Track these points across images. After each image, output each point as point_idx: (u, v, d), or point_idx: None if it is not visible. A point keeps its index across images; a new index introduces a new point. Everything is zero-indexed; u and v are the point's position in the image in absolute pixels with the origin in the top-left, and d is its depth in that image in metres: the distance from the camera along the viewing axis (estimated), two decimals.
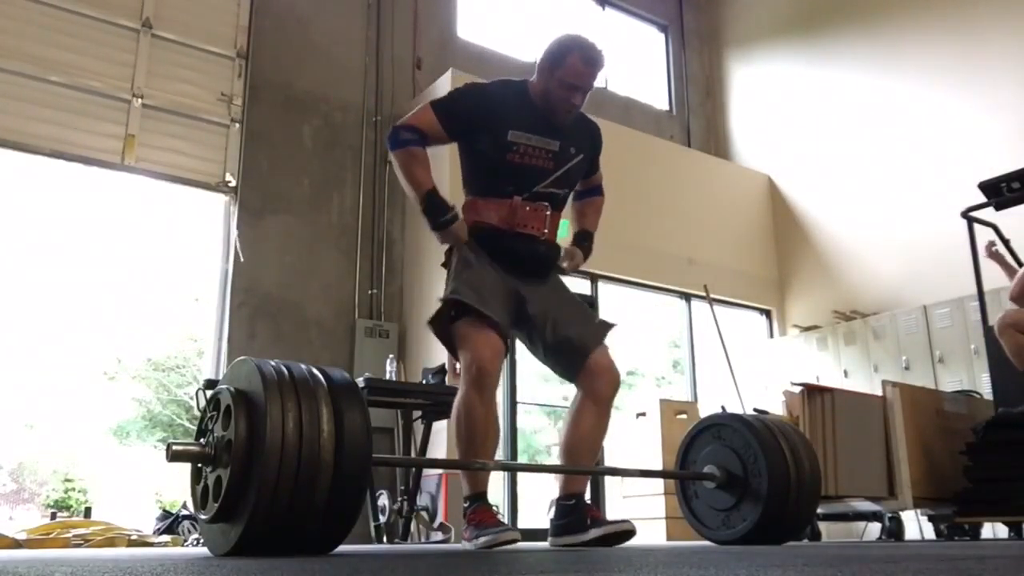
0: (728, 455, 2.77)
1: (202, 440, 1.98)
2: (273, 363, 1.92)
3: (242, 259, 5.82)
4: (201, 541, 4.62)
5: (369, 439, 1.90)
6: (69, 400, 11.99)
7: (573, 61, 2.53)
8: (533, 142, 2.55)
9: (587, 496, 2.72)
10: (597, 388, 2.57)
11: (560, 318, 2.60)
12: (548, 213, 2.60)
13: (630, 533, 2.48)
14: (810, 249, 7.98)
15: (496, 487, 5.92)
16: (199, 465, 1.98)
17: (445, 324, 2.51)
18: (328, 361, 3.98)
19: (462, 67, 6.81)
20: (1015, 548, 2.39)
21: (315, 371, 1.95)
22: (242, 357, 2.00)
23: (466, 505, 2.49)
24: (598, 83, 2.84)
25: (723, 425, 2.85)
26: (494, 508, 2.51)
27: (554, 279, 2.72)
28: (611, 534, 2.45)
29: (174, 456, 1.91)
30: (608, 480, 6.17)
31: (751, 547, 2.54)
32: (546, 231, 2.60)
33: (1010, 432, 3.93)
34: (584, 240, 2.84)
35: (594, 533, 2.45)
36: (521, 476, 6.13)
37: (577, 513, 2.53)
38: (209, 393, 2.03)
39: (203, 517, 1.92)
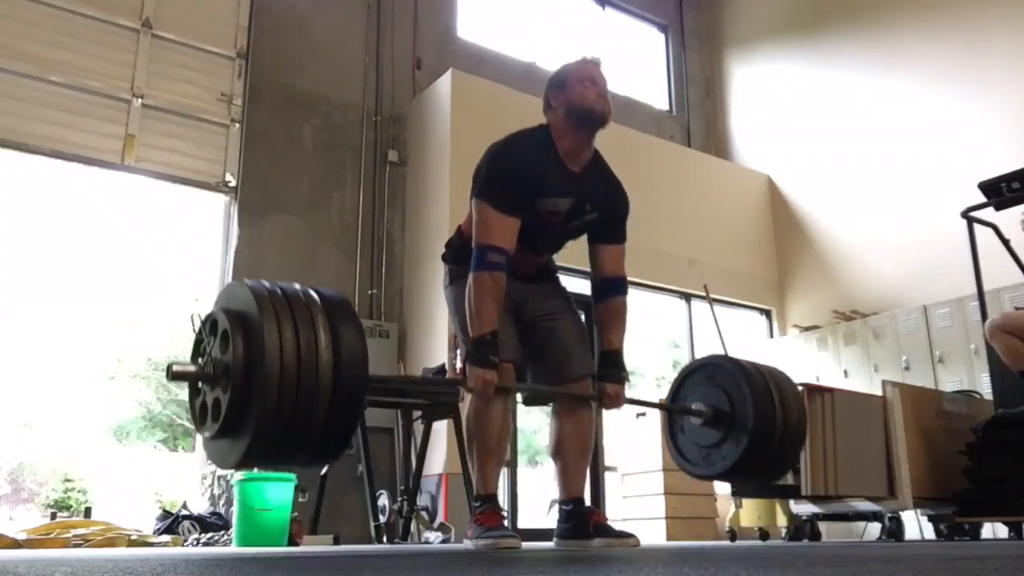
0: (718, 395, 2.74)
1: (200, 360, 1.98)
2: (267, 283, 1.92)
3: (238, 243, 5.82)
4: (201, 541, 4.62)
5: (365, 357, 1.91)
6: (69, 400, 11.98)
7: (572, 67, 2.56)
8: (559, 207, 2.49)
9: (587, 498, 2.73)
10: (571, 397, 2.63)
11: (557, 324, 2.65)
12: (543, 258, 2.73)
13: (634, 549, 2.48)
14: (810, 249, 7.98)
15: None
16: (198, 384, 2.00)
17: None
18: None
19: (462, 67, 6.81)
20: (1015, 548, 2.39)
21: (309, 291, 1.96)
22: (233, 281, 2.01)
23: (476, 504, 2.52)
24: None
25: (717, 365, 2.83)
26: (502, 513, 2.53)
27: (554, 282, 2.78)
28: (614, 548, 2.45)
29: (174, 376, 1.93)
30: (608, 480, 6.18)
31: (751, 547, 2.54)
32: (537, 268, 2.71)
33: (1010, 432, 3.92)
34: (612, 366, 2.56)
35: (597, 543, 2.46)
36: (521, 476, 6.14)
37: (578, 518, 2.54)
38: (203, 315, 2.03)
39: (205, 435, 1.95)
